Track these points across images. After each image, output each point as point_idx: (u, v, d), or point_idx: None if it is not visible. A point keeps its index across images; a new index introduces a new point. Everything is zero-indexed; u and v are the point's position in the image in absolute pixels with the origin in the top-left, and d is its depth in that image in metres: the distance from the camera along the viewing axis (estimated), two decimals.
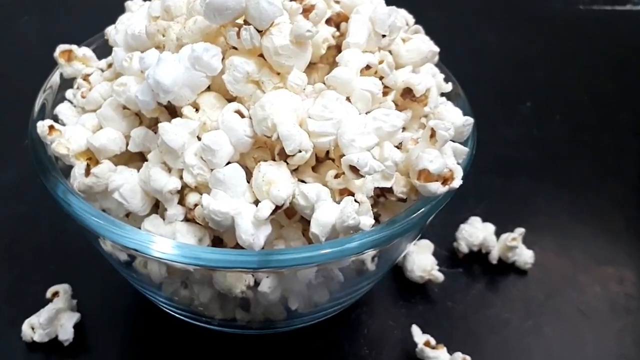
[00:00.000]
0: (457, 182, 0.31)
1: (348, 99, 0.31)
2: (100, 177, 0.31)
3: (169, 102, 0.30)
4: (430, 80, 0.34)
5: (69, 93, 0.36)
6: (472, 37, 0.77)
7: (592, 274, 0.47)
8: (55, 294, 0.40)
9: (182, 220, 0.31)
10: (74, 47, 0.37)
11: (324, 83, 0.31)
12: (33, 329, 0.39)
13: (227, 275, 0.31)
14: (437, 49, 0.37)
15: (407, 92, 0.34)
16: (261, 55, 0.31)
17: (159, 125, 0.29)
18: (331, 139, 0.30)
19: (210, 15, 0.29)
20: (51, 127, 0.32)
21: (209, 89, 0.31)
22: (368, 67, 0.32)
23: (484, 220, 0.49)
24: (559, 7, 0.83)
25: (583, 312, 0.45)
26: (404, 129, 0.34)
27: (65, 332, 0.39)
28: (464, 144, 0.35)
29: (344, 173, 0.29)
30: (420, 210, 0.31)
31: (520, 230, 0.47)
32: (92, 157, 0.33)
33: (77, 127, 0.33)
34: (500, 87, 0.69)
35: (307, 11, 0.32)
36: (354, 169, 0.29)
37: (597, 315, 0.44)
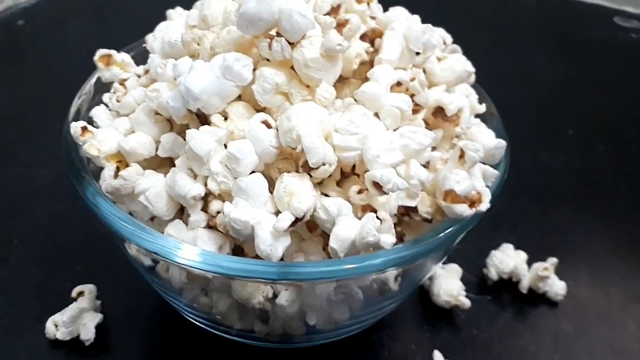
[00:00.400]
0: (484, 205, 0.30)
1: (377, 115, 0.31)
2: (127, 179, 0.31)
3: (199, 109, 0.31)
4: (463, 100, 0.34)
5: (106, 97, 0.37)
6: (516, 59, 0.76)
7: (627, 311, 0.45)
8: (81, 293, 0.41)
9: (204, 227, 0.31)
10: (113, 52, 0.38)
11: (354, 98, 0.31)
12: (57, 326, 0.39)
13: (246, 285, 0.31)
14: (472, 69, 0.36)
15: (439, 111, 0.34)
16: (292, 68, 0.31)
17: (187, 131, 0.30)
18: (356, 154, 0.29)
19: (243, 26, 0.30)
20: (84, 129, 0.32)
21: (239, 98, 0.32)
22: (399, 83, 0.32)
23: (517, 247, 0.48)
24: (608, 33, 0.81)
25: (616, 351, 0.43)
26: (434, 148, 0.34)
27: (87, 332, 0.39)
28: (496, 167, 0.34)
29: (367, 189, 0.29)
30: (447, 231, 0.31)
31: (552, 260, 0.46)
32: (122, 160, 0.33)
33: (110, 130, 0.34)
34: (544, 112, 0.68)
35: (340, 25, 0.32)
36: (377, 186, 0.28)
37: (630, 355, 0.42)
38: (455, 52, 0.39)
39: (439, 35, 0.39)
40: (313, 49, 0.29)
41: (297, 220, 0.28)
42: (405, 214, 0.31)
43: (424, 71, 0.35)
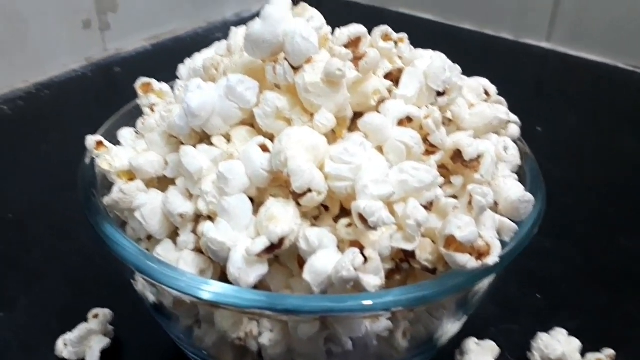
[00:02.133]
0: (492, 259, 0.27)
1: (381, 149, 0.29)
2: (127, 194, 0.31)
3: (203, 130, 0.31)
4: (486, 145, 0.31)
5: (138, 122, 0.38)
6: (604, 138, 0.70)
7: None
8: (96, 316, 0.41)
9: (192, 249, 0.30)
10: (152, 80, 0.39)
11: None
12: (66, 345, 0.39)
13: (227, 316, 0.29)
14: (505, 117, 0.33)
15: (458, 156, 0.31)
16: None
17: (181, 147, 0.29)
18: (348, 185, 0.27)
19: (249, 49, 0.30)
20: (99, 143, 0.33)
21: (245, 123, 0.31)
22: (410, 119, 0.30)
23: (572, 334, 0.42)
24: None
25: None
26: (455, 197, 0.31)
27: (92, 355, 0.39)
28: (523, 224, 0.31)
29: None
30: (456, 279, 0.27)
31: (608, 352, 0.39)
32: (133, 178, 0.33)
33: (127, 148, 0.34)
34: (629, 190, 0.61)
35: (357, 59, 0.31)
36: (364, 219, 0.26)
37: None
38: (501, 104, 0.37)
39: (480, 84, 0.37)
40: (315, 74, 0.28)
41: (273, 246, 0.26)
42: (404, 260, 0.29)
43: (452, 115, 0.33)
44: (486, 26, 1.00)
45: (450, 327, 0.34)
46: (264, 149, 0.29)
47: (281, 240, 0.26)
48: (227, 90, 0.30)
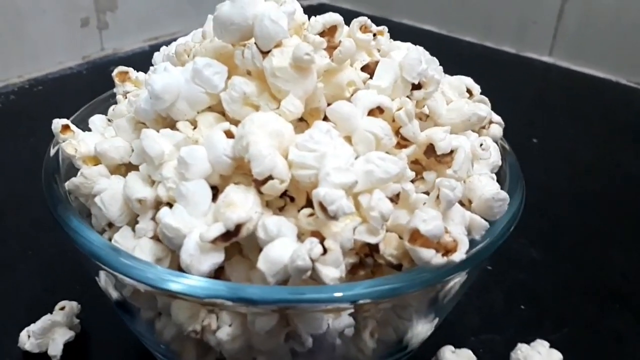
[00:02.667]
0: (458, 255, 0.26)
1: (350, 139, 0.28)
2: (88, 178, 0.30)
3: (169, 115, 0.30)
4: (461, 140, 0.30)
5: (110, 109, 0.37)
6: (598, 150, 0.69)
7: None
8: (62, 308, 0.40)
9: (151, 237, 0.29)
10: (130, 69, 0.38)
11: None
12: (29, 337, 0.38)
13: (182, 307, 0.28)
14: (483, 114, 0.32)
15: (431, 150, 0.30)
16: None
17: (142, 130, 0.29)
18: (312, 173, 0.26)
19: (218, 31, 0.29)
20: (65, 127, 0.32)
21: (212, 110, 0.30)
22: (381, 110, 0.29)
23: (554, 346, 0.41)
24: None
25: None
26: (428, 193, 0.30)
27: (55, 347, 0.38)
28: (498, 223, 0.29)
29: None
30: (423, 274, 0.26)
31: None
32: (99, 164, 0.32)
33: (95, 134, 0.34)
34: (623, 204, 0.60)
35: (332, 48, 0.30)
36: (324, 208, 0.25)
37: None
38: (485, 103, 0.36)
39: (463, 82, 0.36)
40: (283, 58, 0.28)
41: (228, 234, 0.25)
42: (368, 255, 0.27)
43: (428, 110, 0.32)
44: (488, 39, 0.99)
45: (421, 329, 0.33)
46: (229, 135, 0.28)
47: (238, 228, 0.25)
48: (193, 74, 0.29)
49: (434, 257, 0.26)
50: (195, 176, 0.27)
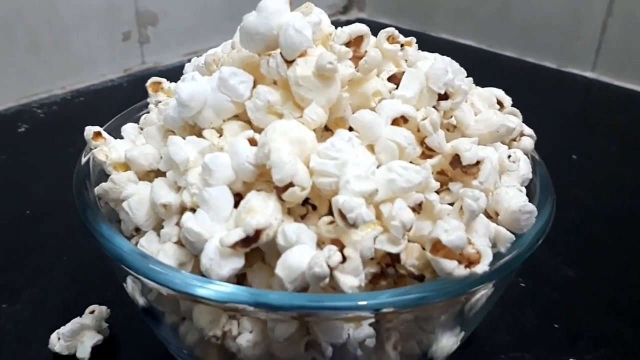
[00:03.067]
0: (481, 267, 0.25)
1: (372, 148, 0.28)
2: (117, 183, 0.31)
3: (196, 124, 0.30)
4: (488, 151, 0.29)
5: (142, 118, 0.38)
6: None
7: None
8: (92, 312, 0.40)
9: (175, 242, 0.29)
10: (163, 80, 0.39)
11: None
12: (59, 339, 0.39)
13: (204, 312, 0.28)
14: (512, 125, 0.32)
15: (457, 161, 0.29)
16: None
17: (169, 137, 0.29)
18: (333, 181, 0.26)
19: (244, 41, 0.29)
20: (97, 133, 0.33)
21: (239, 118, 0.31)
22: (405, 120, 0.29)
23: None
24: None
25: None
26: (452, 204, 0.30)
27: (83, 351, 0.38)
28: (526, 236, 0.29)
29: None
30: (446, 285, 0.26)
31: None
32: (129, 170, 0.33)
33: (126, 141, 0.34)
34: None
35: (357, 58, 0.30)
36: (344, 216, 0.25)
37: None
38: (516, 115, 0.35)
39: (493, 94, 0.35)
40: (307, 67, 0.28)
41: (248, 239, 0.25)
42: (390, 265, 0.27)
43: (456, 121, 0.32)
44: (529, 54, 0.98)
45: (446, 343, 0.32)
46: (253, 142, 0.28)
47: (258, 234, 0.25)
48: (219, 82, 0.29)
49: (456, 269, 0.25)
50: (218, 182, 0.28)
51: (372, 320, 0.27)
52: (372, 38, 0.33)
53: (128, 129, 0.37)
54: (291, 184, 0.26)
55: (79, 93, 0.78)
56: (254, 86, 0.30)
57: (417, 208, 0.27)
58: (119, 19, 0.80)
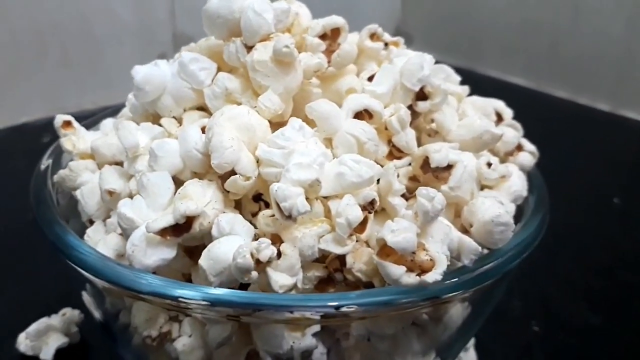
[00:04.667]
0: (432, 276, 0.22)
1: (331, 142, 0.26)
2: (73, 171, 0.30)
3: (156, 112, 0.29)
4: (463, 156, 0.26)
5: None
6: None
7: None
8: (64, 315, 0.39)
9: (120, 233, 0.27)
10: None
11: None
12: (26, 338, 0.38)
13: (141, 309, 0.26)
14: (498, 132, 0.28)
15: (427, 164, 0.27)
16: None
17: (120, 121, 0.28)
18: (278, 172, 0.24)
19: (207, 26, 0.28)
20: (67, 122, 0.32)
21: (202, 110, 0.29)
22: (370, 115, 0.26)
23: None
24: None
25: None
26: None
27: (47, 352, 0.37)
28: (502, 251, 0.25)
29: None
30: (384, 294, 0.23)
31: None
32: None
33: (98, 133, 0.33)
34: None
35: (331, 52, 0.28)
36: (280, 206, 0.22)
37: None
38: (515, 129, 0.32)
39: (490, 104, 0.32)
40: (265, 52, 0.26)
41: (179, 227, 0.23)
42: (337, 270, 0.24)
43: (436, 125, 0.29)
44: (581, 95, 0.93)
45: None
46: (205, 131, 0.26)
47: (189, 221, 0.23)
48: (179, 68, 0.28)
49: (404, 276, 0.22)
50: (163, 169, 0.26)
51: (317, 329, 0.24)
52: (355, 35, 0.31)
53: (107, 123, 0.36)
54: (234, 172, 0.24)
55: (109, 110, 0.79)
56: None
57: (369, 207, 0.24)
58: (155, 40, 0.82)
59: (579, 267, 0.51)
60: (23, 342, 0.38)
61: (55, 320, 0.38)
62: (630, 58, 0.85)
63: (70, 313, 0.39)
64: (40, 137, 0.71)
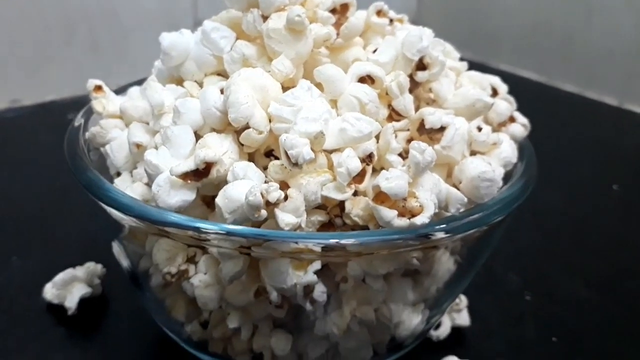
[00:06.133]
0: (420, 218, 0.25)
1: (336, 103, 0.29)
2: (103, 128, 0.33)
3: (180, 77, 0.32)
4: (456, 120, 0.29)
5: None
6: None
7: None
8: (88, 267, 0.42)
9: (146, 183, 0.30)
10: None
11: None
12: (52, 288, 0.41)
13: (162, 248, 0.29)
14: (489, 100, 0.31)
15: (423, 127, 0.29)
16: None
17: (147, 79, 0.31)
18: (287, 127, 0.27)
19: None
20: (98, 87, 0.36)
21: (221, 75, 0.32)
22: (372, 80, 0.29)
23: None
24: None
25: None
26: None
27: (71, 300, 0.40)
28: (489, 205, 0.28)
29: None
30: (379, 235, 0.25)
31: None
32: None
33: (126, 97, 0.36)
34: None
35: (339, 24, 0.31)
36: (287, 154, 0.25)
37: None
38: (508, 102, 0.35)
39: (487, 79, 0.35)
40: (279, 21, 0.29)
41: (199, 172, 0.26)
42: (338, 216, 0.27)
43: (434, 94, 0.32)
44: (589, 89, 0.95)
45: (408, 319, 0.31)
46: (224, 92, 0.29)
47: (208, 167, 0.26)
48: (202, 36, 0.31)
49: (395, 219, 0.25)
50: (186, 125, 0.29)
51: (318, 267, 0.27)
52: (363, 12, 0.34)
53: (133, 90, 0.39)
54: (248, 127, 0.27)
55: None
56: None
57: (367, 159, 0.27)
58: (176, 27, 0.85)
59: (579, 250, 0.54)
60: (49, 290, 0.41)
61: (79, 271, 0.41)
62: (639, 55, 0.87)
63: (93, 266, 0.42)
64: (65, 114, 0.75)
